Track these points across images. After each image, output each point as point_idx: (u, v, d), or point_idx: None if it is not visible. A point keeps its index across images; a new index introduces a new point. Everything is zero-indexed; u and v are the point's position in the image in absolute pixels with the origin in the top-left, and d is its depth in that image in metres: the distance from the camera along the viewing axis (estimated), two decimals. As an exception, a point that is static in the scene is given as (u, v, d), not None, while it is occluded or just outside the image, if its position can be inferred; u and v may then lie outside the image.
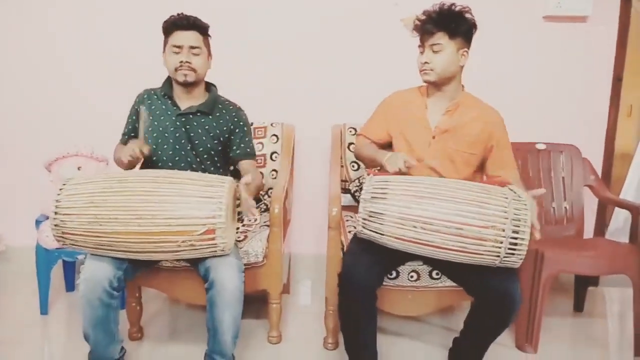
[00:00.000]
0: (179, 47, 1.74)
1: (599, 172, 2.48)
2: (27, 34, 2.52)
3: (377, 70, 2.51)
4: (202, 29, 1.79)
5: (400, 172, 1.61)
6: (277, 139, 2.30)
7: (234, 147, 1.87)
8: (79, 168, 2.16)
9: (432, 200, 1.47)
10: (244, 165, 1.88)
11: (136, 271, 1.65)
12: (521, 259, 1.45)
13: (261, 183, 1.97)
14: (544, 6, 2.45)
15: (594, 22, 2.48)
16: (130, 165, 1.71)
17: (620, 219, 2.57)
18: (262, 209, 2.25)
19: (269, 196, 2.22)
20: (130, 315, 1.94)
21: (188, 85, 1.79)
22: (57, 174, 2.15)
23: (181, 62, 1.73)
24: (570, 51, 2.51)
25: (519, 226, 1.43)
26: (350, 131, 2.30)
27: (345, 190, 2.27)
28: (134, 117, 1.86)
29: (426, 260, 1.69)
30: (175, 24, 1.75)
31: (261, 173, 2.10)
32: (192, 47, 1.75)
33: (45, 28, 2.51)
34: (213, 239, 1.47)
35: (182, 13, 1.77)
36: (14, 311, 2.23)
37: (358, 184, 2.25)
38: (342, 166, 2.27)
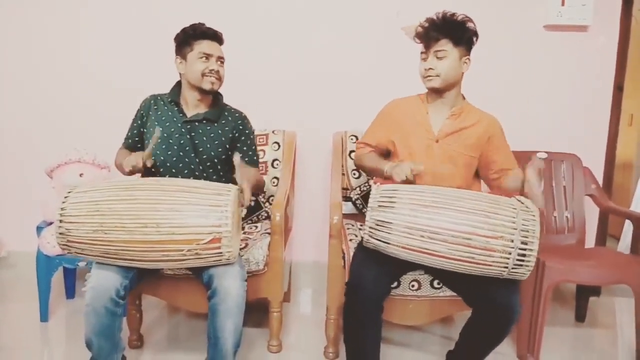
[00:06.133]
0: (208, 55, 1.76)
1: (600, 181, 2.47)
2: (28, 38, 2.54)
3: (379, 78, 2.52)
4: (223, 42, 1.83)
5: (407, 181, 1.60)
6: (279, 146, 2.30)
7: (237, 153, 1.87)
8: (81, 175, 2.15)
9: (440, 209, 1.46)
10: None
11: (140, 279, 1.65)
12: (529, 271, 1.43)
13: (262, 181, 1.97)
14: (545, 16, 2.46)
15: (594, 31, 2.49)
16: (131, 174, 1.71)
17: (630, 236, 2.52)
18: (263, 217, 2.25)
19: (270, 203, 2.22)
20: (130, 323, 1.94)
21: (208, 93, 1.81)
22: (59, 180, 2.15)
23: (211, 70, 1.76)
24: (571, 60, 2.52)
25: (527, 237, 1.41)
26: (352, 139, 2.30)
27: (347, 198, 2.26)
28: (139, 122, 1.86)
29: (427, 269, 1.68)
30: (205, 34, 1.78)
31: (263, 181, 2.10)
32: (220, 58, 1.80)
33: (46, 33, 2.53)
34: (219, 247, 1.46)
35: (203, 23, 1.79)
36: (14, 318, 2.23)
37: (359, 192, 2.25)
38: (343, 174, 2.27)
